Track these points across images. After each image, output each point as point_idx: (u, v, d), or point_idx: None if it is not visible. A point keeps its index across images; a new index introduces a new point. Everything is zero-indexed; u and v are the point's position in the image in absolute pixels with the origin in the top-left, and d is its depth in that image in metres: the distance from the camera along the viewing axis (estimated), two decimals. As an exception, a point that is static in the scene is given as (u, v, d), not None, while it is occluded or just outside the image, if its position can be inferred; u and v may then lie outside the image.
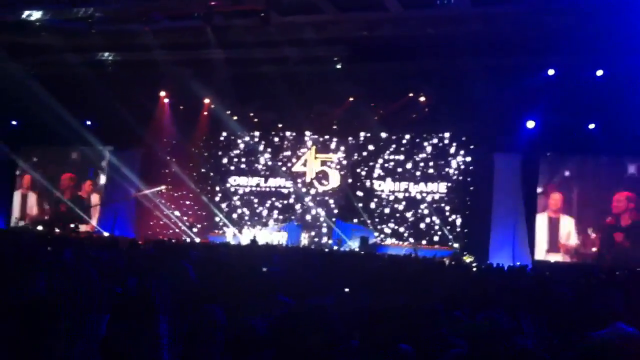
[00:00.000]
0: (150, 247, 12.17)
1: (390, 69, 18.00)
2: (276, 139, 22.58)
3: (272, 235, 20.90)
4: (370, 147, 21.38)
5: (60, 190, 23.03)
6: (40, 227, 21.46)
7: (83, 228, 21.50)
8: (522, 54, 15.67)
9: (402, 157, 20.91)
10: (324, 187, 21.92)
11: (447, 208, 20.19)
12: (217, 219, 22.45)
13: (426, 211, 20.37)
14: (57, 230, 19.88)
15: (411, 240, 20.13)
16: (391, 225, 20.71)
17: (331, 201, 21.73)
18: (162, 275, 5.45)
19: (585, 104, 16.04)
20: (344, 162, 21.80)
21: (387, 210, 20.87)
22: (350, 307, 5.12)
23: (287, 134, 22.44)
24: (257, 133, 22.50)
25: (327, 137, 21.99)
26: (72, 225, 21.11)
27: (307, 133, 22.07)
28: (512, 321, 4.32)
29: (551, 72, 16.27)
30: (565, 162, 18.23)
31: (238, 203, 22.61)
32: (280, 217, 22.13)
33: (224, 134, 22.78)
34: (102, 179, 23.08)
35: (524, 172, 18.53)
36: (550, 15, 13.99)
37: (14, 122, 22.60)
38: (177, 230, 21.50)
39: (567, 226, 17.99)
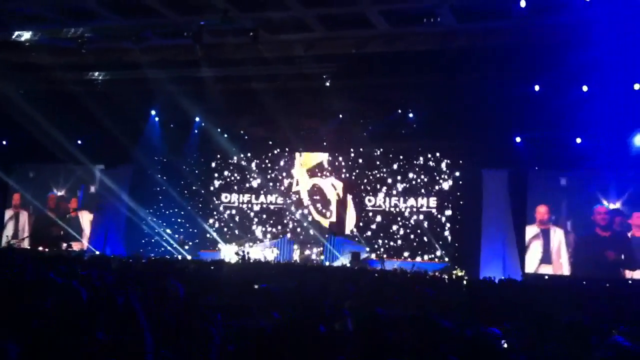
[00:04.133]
0: (141, 265, 12.17)
1: (379, 85, 18.10)
2: (267, 156, 22.63)
3: (264, 251, 20.88)
4: (361, 163, 21.49)
5: (49, 209, 22.96)
6: (29, 247, 21.38)
7: (75, 247, 21.45)
8: (508, 70, 15.82)
9: (392, 173, 21.01)
10: (315, 203, 21.98)
11: (438, 223, 20.28)
12: (208, 236, 22.44)
13: (417, 226, 20.45)
14: (47, 249, 19.78)
15: (404, 255, 20.25)
16: (382, 240, 20.76)
17: (322, 217, 21.78)
18: (151, 292, 5.47)
19: (572, 118, 16.22)
20: (335, 178, 21.88)
21: (378, 226, 20.94)
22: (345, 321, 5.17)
23: (278, 150, 22.51)
24: (248, 150, 22.54)
25: (318, 153, 22.07)
26: (65, 245, 21.03)
27: (298, 149, 22.14)
28: (502, 336, 4.35)
29: (537, 87, 16.44)
30: (552, 176, 18.41)
31: (230, 220, 22.61)
32: (272, 233, 22.13)
33: (215, 151, 22.78)
34: (92, 196, 22.99)
35: (512, 186, 18.68)
36: (535, 31, 14.17)
37: (4, 142, 22.54)
38: (168, 247, 21.45)
39: (557, 239, 18.15)
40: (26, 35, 16.88)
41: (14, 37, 16.91)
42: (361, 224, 21.14)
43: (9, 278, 5.97)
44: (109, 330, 3.32)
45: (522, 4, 12.95)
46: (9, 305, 4.11)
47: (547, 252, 18.21)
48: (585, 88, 16.01)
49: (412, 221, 20.60)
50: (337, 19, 15.01)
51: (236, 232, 22.38)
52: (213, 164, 23.14)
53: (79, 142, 21.22)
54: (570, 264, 17.96)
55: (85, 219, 22.95)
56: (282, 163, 22.55)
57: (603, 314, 7.32)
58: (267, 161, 22.64)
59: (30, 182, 23.40)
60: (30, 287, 4.71)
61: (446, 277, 15.17)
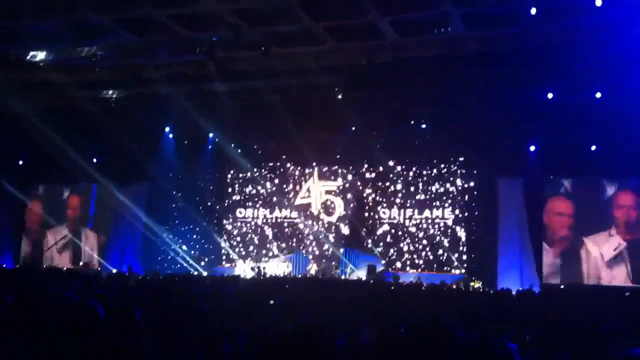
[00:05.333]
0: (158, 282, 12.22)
1: (390, 96, 18.05)
2: (280, 170, 22.66)
3: (279, 266, 20.89)
4: (374, 175, 21.44)
5: (64, 226, 23.15)
6: (45, 265, 21.56)
7: (89, 265, 21.64)
8: (520, 76, 15.79)
9: (406, 184, 20.93)
10: (329, 217, 21.94)
11: (453, 233, 20.16)
12: (224, 251, 22.48)
13: (432, 237, 20.33)
14: (64, 267, 19.94)
15: (420, 267, 20.11)
16: (398, 252, 20.65)
17: (337, 230, 21.74)
18: (170, 307, 5.50)
19: (586, 125, 16.14)
20: (349, 191, 21.83)
21: (393, 238, 20.84)
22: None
23: (291, 164, 22.52)
24: (261, 164, 22.59)
25: (330, 166, 22.04)
26: (81, 263, 21.22)
27: (311, 163, 22.13)
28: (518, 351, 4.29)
29: (550, 95, 16.37)
30: (568, 184, 18.29)
31: (245, 235, 22.64)
32: (287, 248, 22.10)
33: (229, 166, 22.86)
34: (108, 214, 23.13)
35: (527, 195, 18.53)
36: (546, 36, 14.13)
37: (20, 162, 22.74)
38: (184, 264, 21.50)
39: (575, 248, 18.00)
40: (41, 54, 17.11)
41: (28, 57, 17.13)
42: (376, 236, 21.05)
43: (29, 296, 6.05)
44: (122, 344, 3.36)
45: (533, 11, 12.93)
46: (26, 321, 4.17)
47: (566, 261, 18.06)
48: (598, 95, 15.93)
49: (427, 233, 20.48)
50: (346, 31, 15.05)
51: (251, 247, 22.41)
52: (227, 180, 23.19)
53: (95, 160, 21.37)
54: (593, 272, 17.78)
55: (92, 238, 23.00)
56: (295, 177, 22.56)
57: (621, 323, 7.23)
58: (280, 176, 22.66)
59: (47, 200, 23.62)
60: (48, 306, 4.76)
61: (463, 288, 15.09)
